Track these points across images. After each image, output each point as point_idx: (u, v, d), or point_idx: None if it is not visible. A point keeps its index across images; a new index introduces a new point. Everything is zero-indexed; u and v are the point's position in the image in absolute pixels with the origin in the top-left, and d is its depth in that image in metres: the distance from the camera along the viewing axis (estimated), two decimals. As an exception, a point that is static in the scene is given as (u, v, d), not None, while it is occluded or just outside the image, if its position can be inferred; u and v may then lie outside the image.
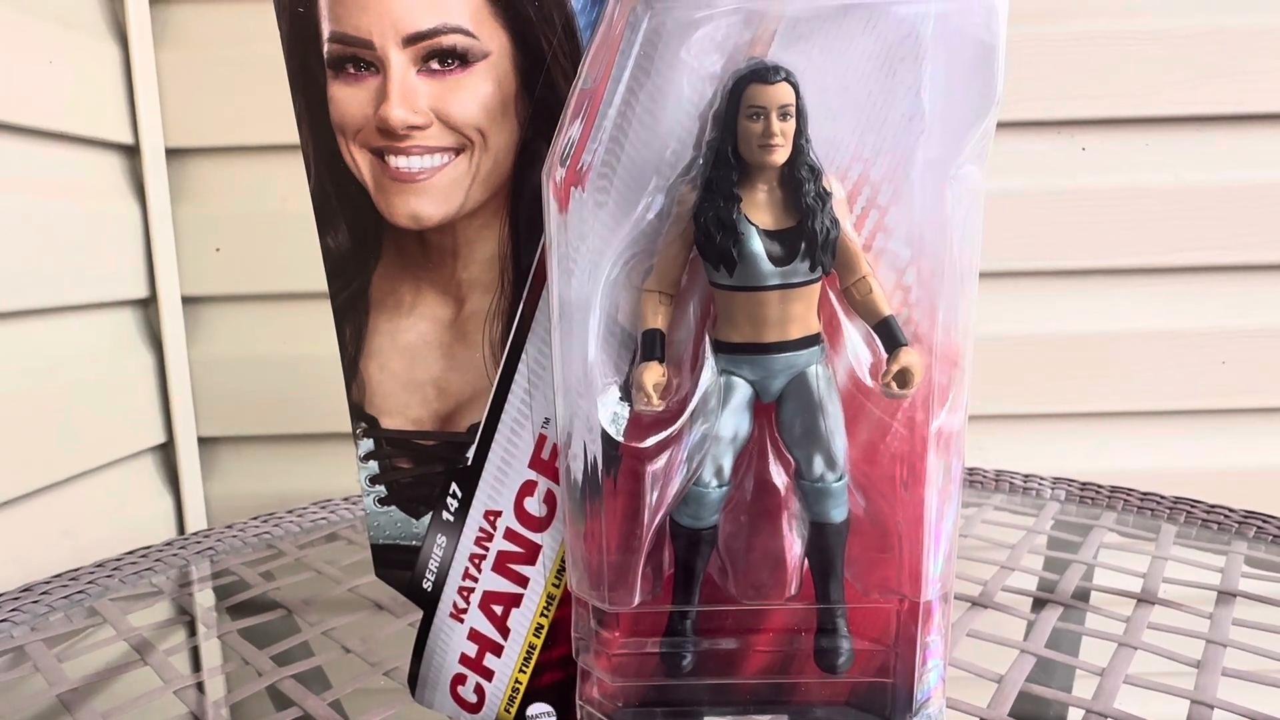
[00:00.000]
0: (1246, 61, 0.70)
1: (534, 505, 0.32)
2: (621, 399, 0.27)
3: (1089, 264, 0.73)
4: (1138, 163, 0.72)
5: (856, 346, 0.27)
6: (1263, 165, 0.71)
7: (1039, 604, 0.47)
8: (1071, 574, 0.50)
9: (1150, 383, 0.74)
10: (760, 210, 0.26)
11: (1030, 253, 0.73)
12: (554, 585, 0.32)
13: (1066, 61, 0.71)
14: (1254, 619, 0.44)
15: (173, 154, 0.72)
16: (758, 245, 0.25)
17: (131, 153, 0.71)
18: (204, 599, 0.52)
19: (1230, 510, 0.59)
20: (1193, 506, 0.60)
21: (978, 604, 0.47)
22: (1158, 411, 0.75)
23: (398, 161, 0.30)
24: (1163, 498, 0.62)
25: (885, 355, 0.26)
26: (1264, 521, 0.57)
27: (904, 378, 0.26)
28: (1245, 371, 0.74)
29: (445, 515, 0.33)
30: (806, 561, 0.28)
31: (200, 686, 0.41)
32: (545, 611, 0.33)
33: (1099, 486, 0.65)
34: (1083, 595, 0.48)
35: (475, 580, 0.33)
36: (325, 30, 0.29)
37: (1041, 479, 0.67)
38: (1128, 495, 0.63)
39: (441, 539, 0.33)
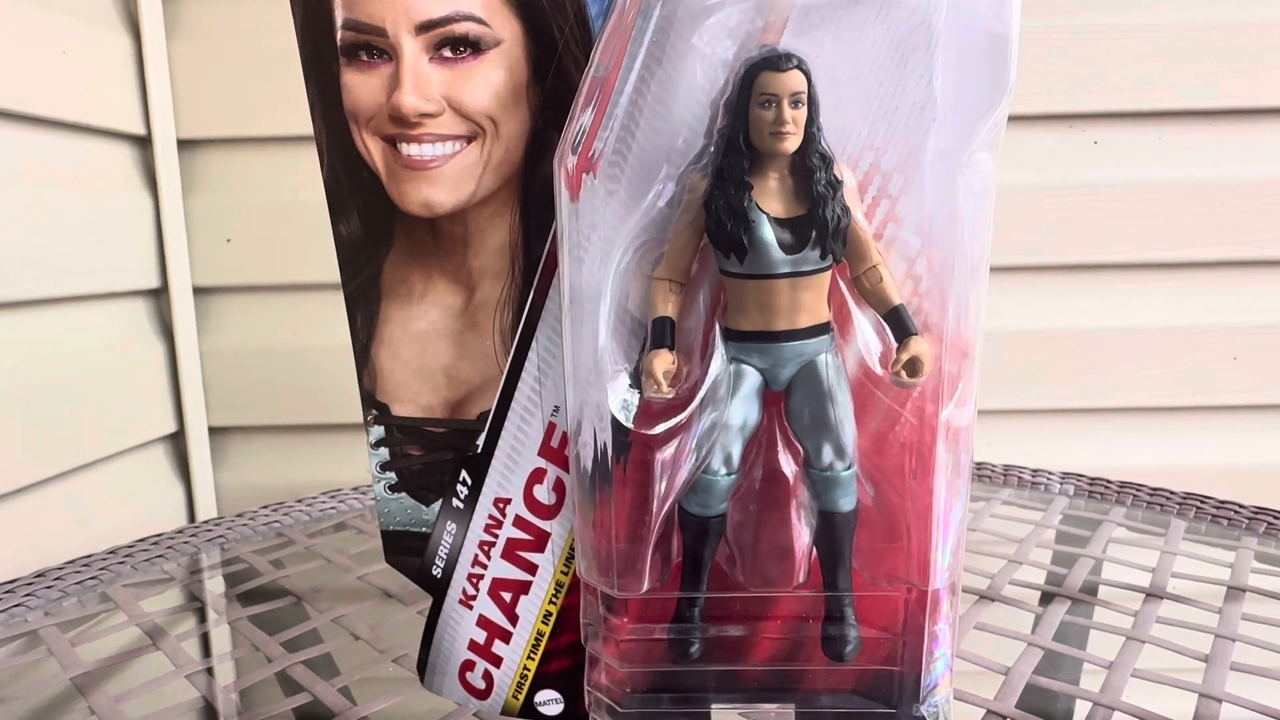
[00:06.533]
0: (1260, 55, 0.69)
1: (543, 493, 0.32)
2: (631, 386, 0.27)
3: (1099, 259, 0.73)
4: (1149, 157, 0.72)
5: (866, 335, 0.27)
6: (1275, 160, 0.71)
7: (1047, 598, 0.47)
8: (1080, 568, 0.50)
9: (1160, 378, 0.74)
10: (771, 198, 0.26)
11: (1040, 247, 0.73)
12: (562, 572, 0.33)
13: (1077, 55, 0.70)
14: (1263, 614, 0.44)
15: (184, 145, 0.73)
16: (768, 233, 0.25)
17: (143, 143, 0.71)
18: (214, 586, 0.53)
19: (1240, 506, 0.58)
20: (1202, 502, 0.60)
21: (985, 597, 0.47)
22: (1167, 407, 0.75)
23: (410, 149, 0.30)
24: (1172, 493, 0.62)
25: (895, 344, 0.26)
26: (1274, 518, 0.56)
27: (914, 366, 0.26)
28: (1255, 367, 0.74)
29: (455, 502, 0.33)
30: (815, 550, 0.28)
31: (210, 671, 0.41)
32: (554, 599, 0.33)
33: (1108, 481, 0.65)
34: (1091, 590, 0.48)
35: (484, 567, 0.33)
36: (338, 17, 0.29)
37: (1050, 474, 0.67)
38: (1137, 490, 0.63)
39: (451, 526, 0.33)
